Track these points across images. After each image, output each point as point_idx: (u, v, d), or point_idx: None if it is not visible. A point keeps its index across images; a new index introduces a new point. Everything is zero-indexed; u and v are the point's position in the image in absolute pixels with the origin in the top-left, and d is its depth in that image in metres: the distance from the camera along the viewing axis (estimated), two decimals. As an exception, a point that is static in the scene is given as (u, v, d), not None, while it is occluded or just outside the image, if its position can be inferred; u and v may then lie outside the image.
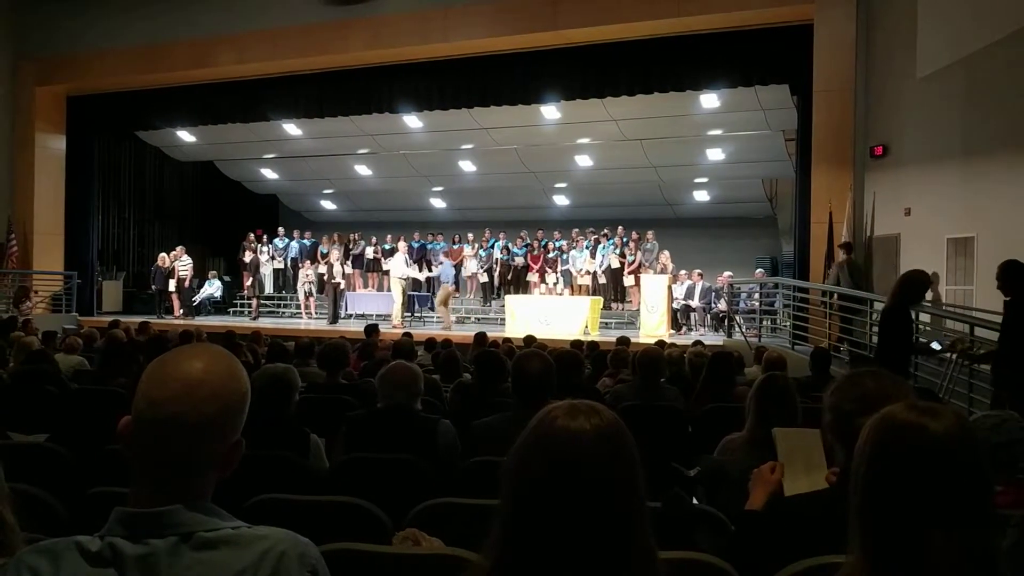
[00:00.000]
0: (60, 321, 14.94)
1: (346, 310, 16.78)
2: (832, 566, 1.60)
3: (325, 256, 17.10)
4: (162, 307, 17.07)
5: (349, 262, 17.71)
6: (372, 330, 9.97)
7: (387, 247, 17.43)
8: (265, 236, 18.63)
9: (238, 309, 18.54)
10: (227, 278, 19.31)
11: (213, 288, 18.26)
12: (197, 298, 17.76)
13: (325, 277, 16.73)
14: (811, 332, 10.85)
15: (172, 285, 16.98)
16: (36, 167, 17.16)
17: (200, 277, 18.22)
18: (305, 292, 16.88)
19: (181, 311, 16.98)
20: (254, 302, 17.55)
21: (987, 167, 9.51)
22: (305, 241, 18.49)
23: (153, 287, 17.26)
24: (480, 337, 9.12)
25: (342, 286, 16.64)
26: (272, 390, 3.54)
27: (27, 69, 17.20)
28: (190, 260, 17.43)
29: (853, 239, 11.18)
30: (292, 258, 18.35)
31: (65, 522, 2.53)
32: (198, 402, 1.30)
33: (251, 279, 17.64)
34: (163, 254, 17.39)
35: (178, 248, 17.50)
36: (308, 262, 17.42)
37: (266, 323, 15.73)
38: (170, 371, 1.33)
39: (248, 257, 17.71)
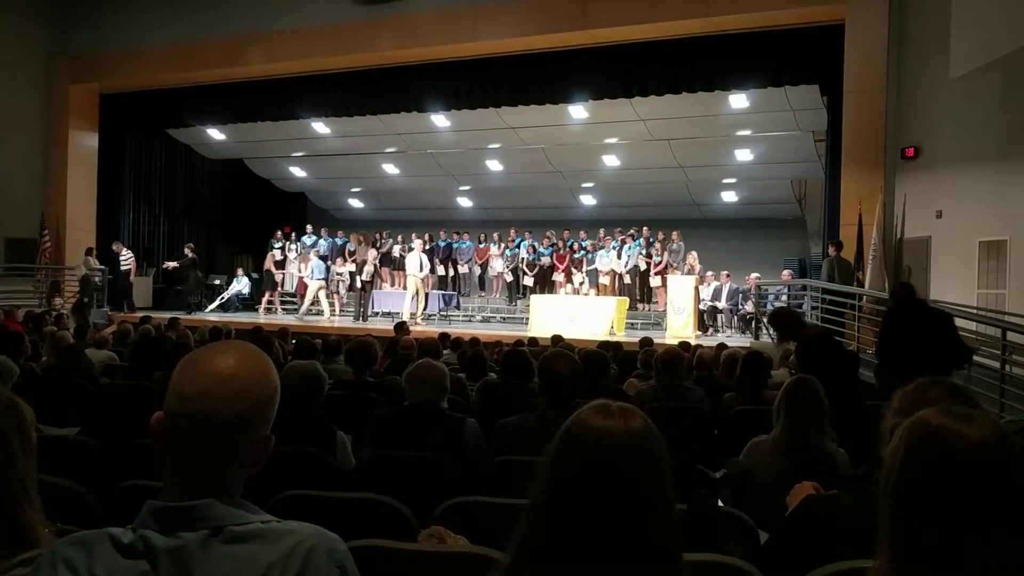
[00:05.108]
0: (91, 316, 15.12)
1: (372, 308, 16.86)
2: (859, 571, 1.59)
3: (352, 254, 17.21)
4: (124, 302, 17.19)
5: (377, 260, 17.79)
6: (400, 327, 10.00)
7: (410, 245, 17.43)
8: (293, 234, 18.75)
9: (266, 307, 18.70)
10: (255, 275, 19.45)
11: (241, 285, 18.39)
12: (225, 295, 17.91)
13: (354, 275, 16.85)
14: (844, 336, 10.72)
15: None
16: (69, 164, 17.40)
17: (228, 274, 18.35)
18: (333, 290, 16.97)
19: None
20: (263, 298, 17.82)
21: (1021, 170, 9.37)
22: (336, 239, 18.55)
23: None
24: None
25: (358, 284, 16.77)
26: (300, 387, 3.56)
27: (61, 67, 17.46)
28: (131, 254, 17.45)
29: (883, 241, 11.05)
30: (321, 256, 18.44)
31: (97, 514, 2.56)
32: (229, 397, 1.31)
33: (281, 276, 17.77)
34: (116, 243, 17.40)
35: (115, 243, 17.36)
36: (340, 259, 17.53)
37: (293, 320, 15.82)
38: (202, 366, 1.34)
39: (278, 256, 17.85)
